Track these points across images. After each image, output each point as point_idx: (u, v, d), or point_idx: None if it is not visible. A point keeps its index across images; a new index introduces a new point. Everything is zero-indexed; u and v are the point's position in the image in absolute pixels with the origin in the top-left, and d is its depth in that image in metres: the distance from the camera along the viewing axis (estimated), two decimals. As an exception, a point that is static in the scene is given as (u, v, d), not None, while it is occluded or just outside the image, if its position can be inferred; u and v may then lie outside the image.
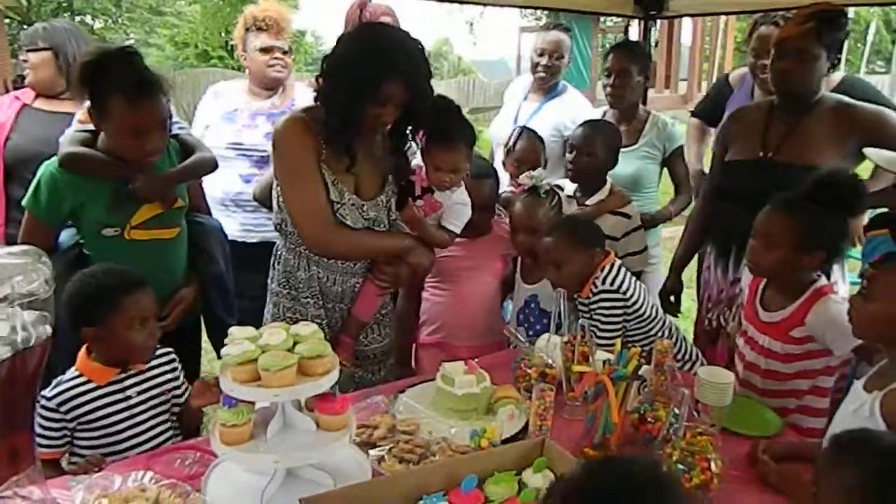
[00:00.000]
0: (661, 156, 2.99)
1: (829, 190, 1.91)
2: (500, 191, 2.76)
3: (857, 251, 2.40)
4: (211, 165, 2.35)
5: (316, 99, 2.03)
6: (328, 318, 2.16)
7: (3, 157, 2.56)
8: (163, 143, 2.10)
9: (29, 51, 2.58)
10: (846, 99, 2.41)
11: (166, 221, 2.18)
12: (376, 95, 1.92)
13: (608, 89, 2.99)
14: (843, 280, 2.63)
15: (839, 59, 2.41)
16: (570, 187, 2.70)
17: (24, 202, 2.09)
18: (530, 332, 2.34)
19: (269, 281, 2.23)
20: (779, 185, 2.22)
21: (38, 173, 2.06)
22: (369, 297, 2.19)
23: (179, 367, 1.94)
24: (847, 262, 2.70)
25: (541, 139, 2.95)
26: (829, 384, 2.00)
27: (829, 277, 2.34)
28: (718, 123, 3.27)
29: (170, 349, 1.93)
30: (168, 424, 1.88)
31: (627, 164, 2.91)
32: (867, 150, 2.18)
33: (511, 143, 2.89)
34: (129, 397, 1.80)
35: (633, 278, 2.27)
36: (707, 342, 2.63)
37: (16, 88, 2.78)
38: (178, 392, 1.91)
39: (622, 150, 2.79)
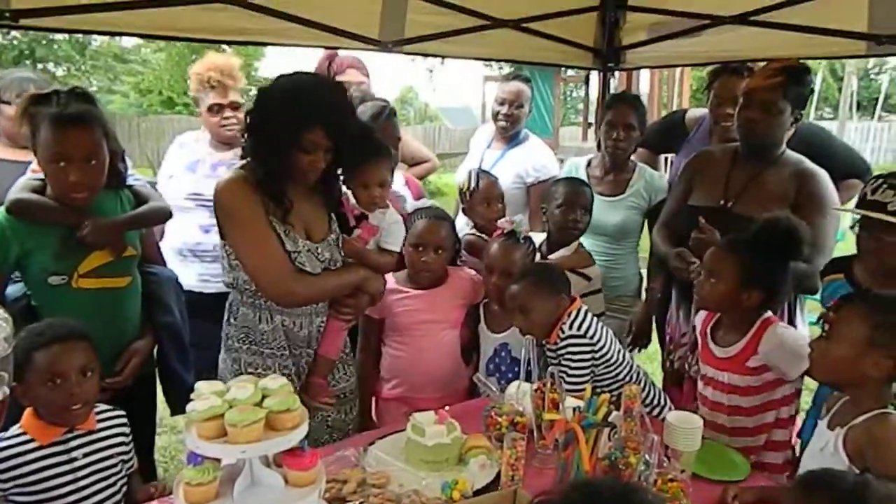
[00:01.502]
0: (647, 206, 3.02)
1: (770, 234, 2.03)
2: (467, 237, 2.80)
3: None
4: (163, 215, 2.34)
5: (243, 156, 2.05)
6: (296, 367, 2.14)
7: None
8: (90, 179, 2.01)
9: (8, 102, 2.52)
10: (808, 167, 2.49)
11: (116, 270, 2.13)
12: (300, 145, 1.94)
13: (610, 142, 3.00)
14: (803, 322, 2.70)
15: (801, 115, 2.52)
16: (538, 238, 2.74)
17: None
18: (502, 381, 2.32)
19: (223, 336, 2.17)
20: (734, 235, 2.33)
21: None
22: (334, 333, 2.19)
23: (129, 430, 1.88)
24: (807, 304, 2.78)
25: (495, 178, 2.99)
26: (790, 414, 2.08)
27: (785, 319, 2.43)
28: (665, 153, 3.38)
29: (122, 412, 1.88)
30: (115, 488, 1.81)
31: (614, 213, 2.97)
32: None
33: (472, 185, 2.92)
34: (73, 459, 1.73)
35: (599, 323, 2.29)
36: (672, 384, 2.66)
37: None
38: (128, 457, 1.86)
39: (610, 199, 2.90)
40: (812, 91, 2.55)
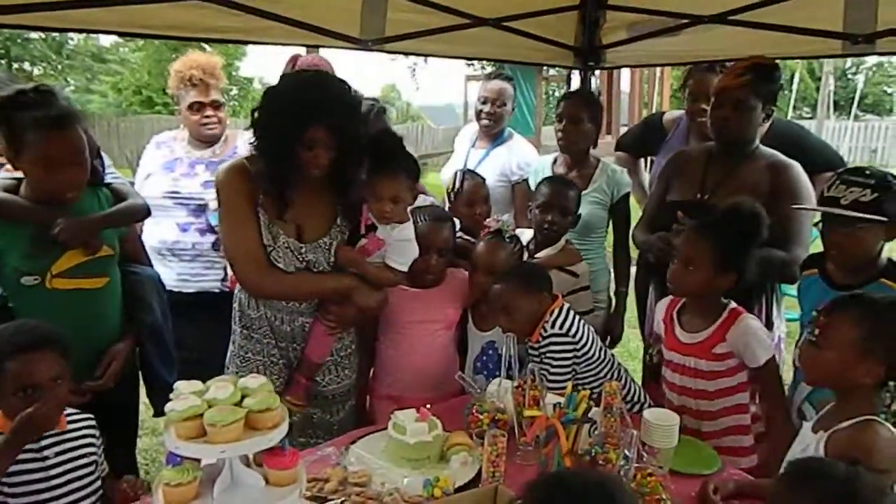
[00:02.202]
0: (610, 202, 3.05)
1: (735, 218, 2.08)
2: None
3: (792, 289, 2.51)
4: (140, 213, 2.32)
5: (254, 147, 2.07)
6: (284, 359, 2.17)
7: None
8: (81, 178, 2.03)
9: None
10: (781, 160, 2.53)
11: (91, 270, 2.10)
12: (301, 140, 1.95)
13: (559, 134, 3.05)
14: (780, 317, 2.74)
15: (773, 111, 2.56)
16: (525, 236, 2.74)
17: None
18: (489, 379, 2.29)
19: (232, 322, 2.23)
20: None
21: None
22: (319, 337, 2.18)
23: (98, 435, 1.86)
24: (783, 300, 2.82)
25: (483, 179, 3.00)
26: (746, 400, 2.13)
27: (763, 314, 2.46)
28: (644, 156, 3.41)
29: (90, 416, 1.85)
30: (90, 489, 1.79)
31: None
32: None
33: (458, 186, 2.92)
34: (45, 458, 1.71)
35: (582, 321, 2.30)
36: (651, 380, 2.68)
37: None
38: (99, 459, 1.84)
39: None
40: (781, 86, 2.58)
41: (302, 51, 3.19)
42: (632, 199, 3.15)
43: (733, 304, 2.14)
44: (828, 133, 18.34)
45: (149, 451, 3.59)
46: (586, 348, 2.25)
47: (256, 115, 2.03)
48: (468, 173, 3.00)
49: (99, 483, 1.83)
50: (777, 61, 2.60)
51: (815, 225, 2.22)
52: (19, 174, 2.03)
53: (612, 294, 3.13)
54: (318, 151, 1.98)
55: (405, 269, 2.27)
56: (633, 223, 2.97)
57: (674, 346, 2.20)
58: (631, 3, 3.55)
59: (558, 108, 3.09)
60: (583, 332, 2.26)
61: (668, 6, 3.41)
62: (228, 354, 2.24)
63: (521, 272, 2.35)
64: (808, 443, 1.63)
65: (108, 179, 2.28)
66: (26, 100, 1.94)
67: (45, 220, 1.99)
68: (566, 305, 2.29)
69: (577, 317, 2.30)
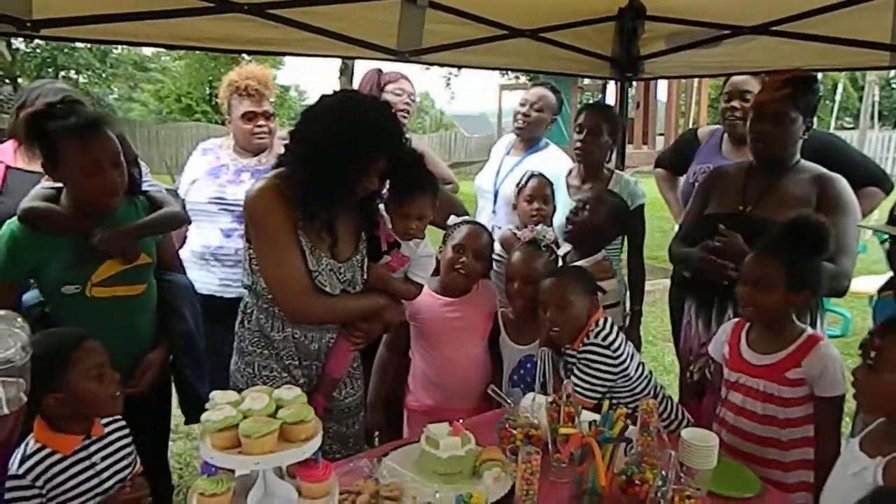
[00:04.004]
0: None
1: (800, 233, 2.01)
2: (500, 231, 2.90)
3: (832, 303, 2.44)
4: (177, 220, 2.34)
5: (277, 164, 2.05)
6: (306, 378, 2.15)
7: None
8: (119, 181, 2.04)
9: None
10: (826, 173, 2.48)
11: (130, 278, 2.13)
12: (365, 171, 1.98)
13: (577, 144, 3.03)
14: (822, 332, 2.67)
15: (813, 122, 2.51)
16: (562, 249, 2.74)
17: None
18: (526, 394, 2.27)
19: (237, 339, 2.17)
20: (755, 238, 2.31)
21: (0, 232, 2.03)
22: (342, 353, 2.19)
23: (130, 432, 1.88)
24: (826, 316, 2.74)
25: (548, 181, 3.02)
26: (811, 433, 2.03)
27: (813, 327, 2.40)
28: (683, 173, 3.37)
29: (118, 416, 1.86)
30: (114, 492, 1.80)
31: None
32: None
33: (523, 183, 3.00)
34: (94, 464, 1.74)
35: (623, 336, 2.26)
36: (691, 397, 2.63)
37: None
38: (132, 458, 1.87)
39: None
40: (822, 97, 2.53)
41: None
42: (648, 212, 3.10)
43: (811, 331, 2.04)
44: (871, 144, 17.89)
45: (182, 455, 3.64)
46: (624, 365, 2.21)
47: (302, 135, 1.99)
48: (537, 174, 3.03)
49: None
50: (816, 73, 2.55)
51: (882, 243, 2.16)
52: (59, 184, 2.07)
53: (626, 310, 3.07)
54: (375, 179, 2.02)
55: (425, 283, 2.34)
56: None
57: (739, 366, 2.10)
58: (670, 14, 3.51)
59: (578, 118, 3.08)
60: (623, 348, 2.22)
61: (709, 17, 3.35)
62: (238, 375, 2.14)
63: (574, 271, 2.36)
64: (864, 465, 1.54)
65: (144, 187, 2.31)
66: (56, 111, 1.97)
67: (85, 230, 2.02)
68: (610, 318, 2.26)
69: (619, 331, 2.26)
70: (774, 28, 3.15)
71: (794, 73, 2.45)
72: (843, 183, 2.45)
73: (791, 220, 2.06)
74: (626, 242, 3.04)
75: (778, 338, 2.03)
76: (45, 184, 2.16)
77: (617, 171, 3.13)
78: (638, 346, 3.03)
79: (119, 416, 1.86)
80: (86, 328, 1.79)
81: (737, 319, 2.20)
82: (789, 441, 2.02)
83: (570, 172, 3.17)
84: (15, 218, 2.02)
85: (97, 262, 2.06)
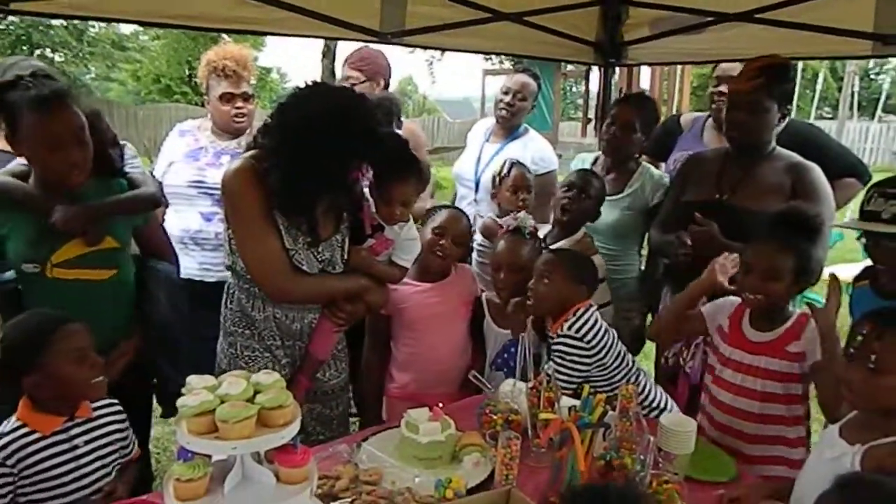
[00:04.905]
0: (647, 205, 2.97)
1: (796, 223, 2.05)
2: (482, 220, 2.89)
3: (815, 293, 2.47)
4: (149, 202, 2.27)
5: (269, 161, 1.98)
6: (289, 358, 2.15)
7: None
8: (81, 158, 1.97)
9: None
10: (802, 161, 2.51)
11: (95, 262, 2.06)
12: (345, 169, 2.00)
13: (606, 137, 3.01)
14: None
15: (789, 110, 2.52)
16: (541, 231, 2.72)
17: None
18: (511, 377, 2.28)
19: (221, 320, 2.17)
20: (731, 226, 2.38)
21: None
22: (326, 334, 2.18)
23: (125, 417, 1.87)
24: (801, 303, 2.77)
25: (528, 169, 3.00)
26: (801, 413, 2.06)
27: None
28: (665, 160, 3.38)
29: (115, 400, 1.86)
30: (113, 476, 1.80)
31: (609, 212, 2.92)
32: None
33: (504, 173, 2.96)
34: (75, 447, 1.72)
35: (602, 327, 2.24)
36: (666, 382, 2.65)
37: None
38: (125, 443, 1.85)
39: (607, 198, 2.86)
40: (796, 86, 2.54)
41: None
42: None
43: (799, 310, 2.09)
44: (849, 134, 18.10)
45: (160, 439, 3.60)
46: (600, 356, 2.20)
47: (281, 125, 1.96)
48: (517, 163, 3.01)
49: (120, 462, 1.84)
50: (791, 60, 2.56)
51: (858, 239, 2.18)
52: None
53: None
54: (355, 173, 2.05)
55: (409, 266, 2.34)
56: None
57: (740, 343, 2.09)
58: (655, 0, 3.50)
59: (612, 109, 3.06)
60: (600, 339, 2.21)
61: (694, 3, 3.35)
62: (222, 355, 2.16)
63: (576, 256, 2.37)
64: (843, 451, 1.54)
65: (128, 169, 2.25)
66: (22, 83, 1.91)
67: (47, 207, 1.96)
68: (592, 310, 2.25)
69: (599, 323, 2.24)
70: (758, 16, 3.15)
71: (769, 61, 2.45)
72: (817, 171, 2.48)
73: (786, 210, 2.10)
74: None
75: (773, 319, 2.06)
76: (21, 160, 2.09)
77: (644, 163, 3.09)
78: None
79: (115, 401, 1.84)
80: (48, 310, 1.76)
81: (737, 300, 2.17)
82: (791, 417, 2.03)
83: (594, 161, 3.15)
84: None
85: (58, 241, 1.99)
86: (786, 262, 1.99)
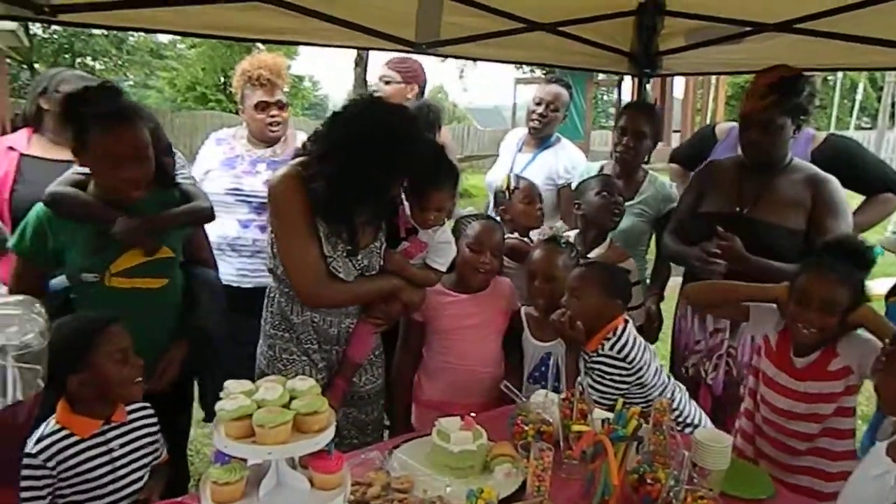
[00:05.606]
0: (654, 215, 3.00)
1: (848, 253, 1.97)
2: (511, 242, 2.81)
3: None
4: (204, 215, 2.31)
5: (299, 154, 2.06)
6: (326, 361, 2.18)
7: (10, 210, 2.47)
8: (143, 175, 2.02)
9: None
10: (819, 173, 2.50)
11: (151, 271, 2.10)
12: (391, 186, 2.06)
13: (620, 148, 3.00)
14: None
15: (804, 120, 2.50)
16: (570, 237, 2.74)
17: (10, 244, 2.05)
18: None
19: (262, 322, 2.22)
20: (751, 240, 2.38)
21: (28, 215, 2.03)
22: (363, 337, 2.21)
23: (157, 421, 1.90)
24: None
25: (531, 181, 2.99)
26: (851, 404, 2.02)
27: None
28: (695, 168, 3.35)
29: (147, 404, 1.89)
30: (147, 478, 1.84)
31: (623, 219, 2.90)
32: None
33: (514, 185, 2.93)
34: (111, 450, 1.76)
35: (642, 344, 2.22)
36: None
37: (14, 129, 2.71)
38: (156, 446, 1.88)
39: None
40: (813, 95, 2.50)
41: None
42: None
43: None
44: (888, 144, 17.65)
45: (194, 441, 3.65)
46: (640, 373, 2.18)
47: (330, 140, 2.00)
48: (520, 177, 3.00)
49: (153, 465, 1.87)
50: (831, 70, 2.53)
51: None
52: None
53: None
54: (398, 188, 2.11)
55: (444, 269, 2.34)
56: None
57: (786, 367, 2.06)
58: (691, 10, 3.47)
59: (619, 120, 3.05)
60: (640, 356, 2.18)
61: (731, 13, 3.31)
62: (262, 358, 2.21)
63: (609, 270, 2.34)
64: (887, 469, 1.51)
65: (179, 179, 2.28)
66: (91, 96, 1.96)
67: (108, 218, 2.01)
68: (629, 326, 2.23)
69: (638, 341, 2.22)
70: (798, 26, 3.11)
71: (779, 75, 2.42)
72: (835, 184, 2.48)
73: (837, 239, 2.06)
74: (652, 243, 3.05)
75: (814, 345, 2.01)
76: (77, 169, 2.14)
77: (651, 171, 3.10)
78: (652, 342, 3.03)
79: (147, 405, 1.88)
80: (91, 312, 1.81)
81: (781, 328, 2.12)
82: (842, 431, 2.00)
83: (601, 169, 3.15)
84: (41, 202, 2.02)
85: (117, 251, 2.04)
86: (843, 297, 1.92)
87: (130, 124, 1.98)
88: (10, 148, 2.52)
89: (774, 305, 2.13)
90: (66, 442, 1.70)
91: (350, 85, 16.60)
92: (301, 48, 21.49)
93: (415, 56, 3.31)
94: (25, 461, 1.63)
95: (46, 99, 2.54)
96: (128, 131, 1.97)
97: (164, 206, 2.16)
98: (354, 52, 13.33)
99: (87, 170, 2.07)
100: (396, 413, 2.51)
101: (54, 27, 17.88)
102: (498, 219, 2.77)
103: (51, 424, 1.72)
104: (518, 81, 12.83)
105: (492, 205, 3.54)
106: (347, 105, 2.07)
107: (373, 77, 3.36)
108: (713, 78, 9.91)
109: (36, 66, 20.97)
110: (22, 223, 2.04)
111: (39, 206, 2.03)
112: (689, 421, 2.24)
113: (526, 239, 2.79)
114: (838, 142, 3.02)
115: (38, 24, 16.85)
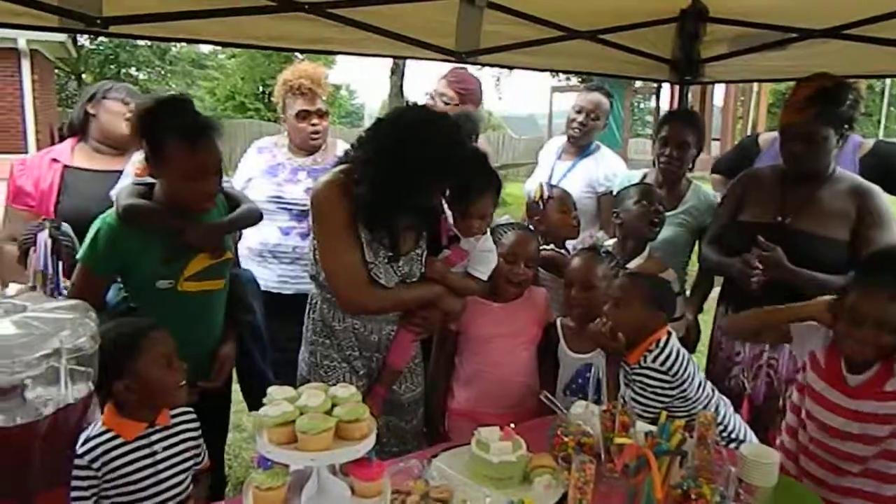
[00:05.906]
0: (696, 225, 2.95)
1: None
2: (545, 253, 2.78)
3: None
4: (256, 217, 2.37)
5: (342, 161, 2.10)
6: (366, 368, 2.19)
7: None
8: (217, 188, 2.11)
9: (117, 100, 2.58)
10: (864, 184, 2.46)
11: (215, 273, 2.18)
12: (434, 194, 2.09)
13: (663, 159, 2.97)
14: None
15: (849, 129, 2.44)
16: (610, 245, 2.71)
17: (78, 256, 2.08)
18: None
19: (304, 329, 2.25)
20: (793, 250, 2.33)
21: (94, 227, 2.05)
22: (403, 344, 2.21)
23: (199, 425, 1.92)
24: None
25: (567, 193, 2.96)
26: None
27: None
28: None
29: (190, 409, 1.91)
30: (188, 482, 1.86)
31: (665, 228, 2.85)
32: None
33: (548, 194, 2.88)
34: (154, 453, 1.78)
35: (687, 357, 2.17)
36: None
37: (61, 138, 2.75)
38: (198, 451, 1.90)
39: None
40: (857, 102, 2.44)
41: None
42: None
43: None
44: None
45: (230, 445, 3.70)
46: (683, 386, 2.13)
47: (376, 148, 2.01)
48: (554, 186, 2.99)
49: (194, 470, 1.89)
50: (880, 78, 2.48)
51: None
52: (148, 179, 2.10)
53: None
54: (440, 195, 2.13)
55: (486, 278, 2.32)
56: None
57: (837, 384, 1.96)
58: (734, 16, 3.41)
59: (661, 130, 3.00)
60: (683, 369, 2.13)
61: (776, 19, 3.25)
62: (303, 364, 2.24)
63: (654, 281, 2.31)
64: None
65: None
66: (167, 109, 2.00)
67: (180, 227, 2.06)
68: (673, 338, 2.19)
69: (682, 353, 2.17)
70: (846, 32, 3.04)
71: (819, 86, 2.36)
72: (880, 195, 2.44)
73: (884, 251, 2.03)
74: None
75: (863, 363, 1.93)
76: (135, 179, 2.19)
77: (695, 181, 3.06)
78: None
79: (190, 409, 1.90)
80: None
81: (829, 331, 2.02)
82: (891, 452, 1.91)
83: (643, 178, 3.12)
84: (111, 213, 2.05)
85: (189, 257, 2.10)
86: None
87: (210, 140, 2.02)
88: (54, 160, 2.56)
89: (816, 325, 2.05)
90: (111, 444, 1.73)
91: (386, 94, 16.75)
92: (338, 57, 21.76)
93: (468, 68, 3.30)
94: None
95: (94, 104, 2.60)
96: (207, 146, 2.02)
97: (216, 211, 2.21)
98: (390, 60, 13.43)
99: (146, 179, 2.12)
100: (431, 422, 2.50)
101: (100, 38, 18.42)
102: (532, 228, 2.76)
103: (97, 426, 1.75)
104: (555, 90, 12.80)
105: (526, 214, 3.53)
106: (392, 111, 2.10)
107: (411, 86, 3.33)
108: (755, 85, 9.74)
109: (83, 76, 21.63)
110: (90, 235, 2.05)
111: (110, 219, 2.04)
112: (733, 436, 2.18)
113: (562, 250, 2.76)
114: (887, 148, 2.95)
115: (85, 36, 17.37)
